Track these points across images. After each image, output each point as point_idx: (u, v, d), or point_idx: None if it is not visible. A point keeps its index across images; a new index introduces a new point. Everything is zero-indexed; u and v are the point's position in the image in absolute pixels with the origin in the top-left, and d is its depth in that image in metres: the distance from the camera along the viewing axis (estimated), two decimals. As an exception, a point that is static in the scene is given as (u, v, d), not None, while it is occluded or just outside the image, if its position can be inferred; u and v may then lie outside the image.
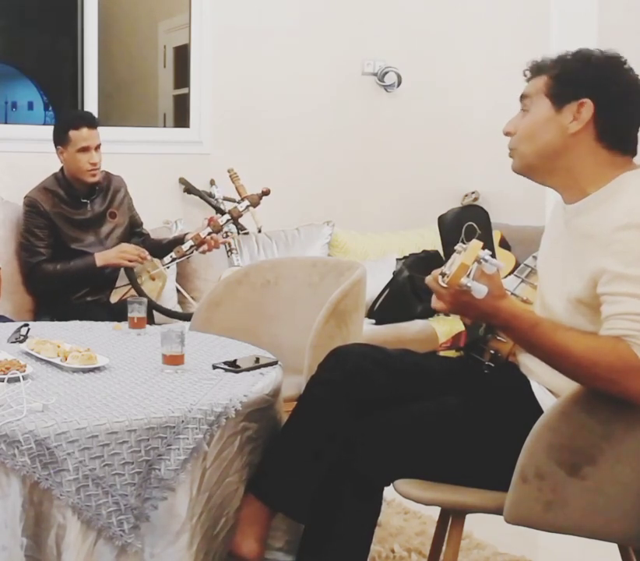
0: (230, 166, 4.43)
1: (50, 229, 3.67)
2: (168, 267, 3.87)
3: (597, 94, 1.84)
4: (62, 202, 3.72)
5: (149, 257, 3.72)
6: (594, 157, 1.87)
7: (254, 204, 4.06)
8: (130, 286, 3.76)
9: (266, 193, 4.06)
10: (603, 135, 1.86)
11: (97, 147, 3.67)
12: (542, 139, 1.89)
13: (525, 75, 1.96)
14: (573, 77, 1.87)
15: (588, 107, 1.84)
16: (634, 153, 1.90)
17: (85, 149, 3.64)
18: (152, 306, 3.60)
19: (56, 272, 3.63)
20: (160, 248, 3.87)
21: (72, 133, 3.64)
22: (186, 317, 3.72)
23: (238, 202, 4.12)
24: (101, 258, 3.65)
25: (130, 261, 3.67)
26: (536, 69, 1.93)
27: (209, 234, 3.76)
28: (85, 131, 3.64)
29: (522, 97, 1.95)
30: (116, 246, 3.72)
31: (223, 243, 3.90)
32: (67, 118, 3.84)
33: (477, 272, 1.69)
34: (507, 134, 1.95)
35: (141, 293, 3.67)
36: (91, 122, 3.68)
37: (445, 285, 1.71)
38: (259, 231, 4.34)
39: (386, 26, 5.05)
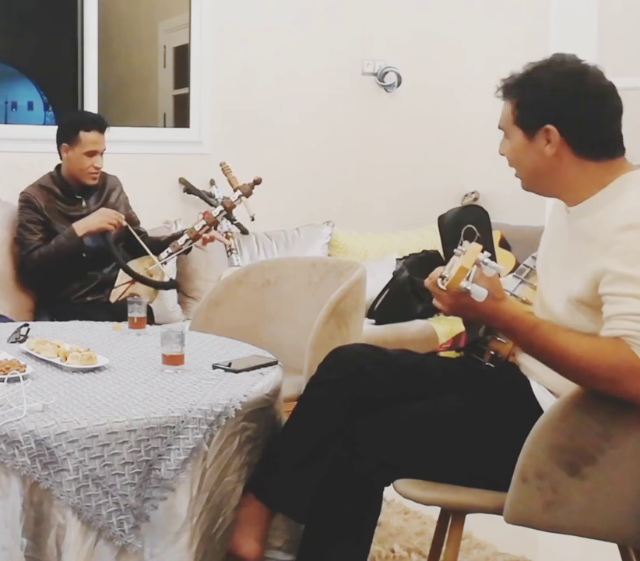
0: (225, 160, 4.42)
1: (44, 224, 3.67)
2: (165, 263, 3.86)
3: (556, 119, 1.86)
4: (57, 199, 3.72)
5: (125, 223, 3.68)
6: (582, 169, 1.88)
7: (247, 194, 4.05)
8: (128, 285, 3.75)
9: (258, 182, 4.06)
10: (580, 150, 1.87)
11: (102, 152, 3.67)
12: (527, 165, 1.93)
13: (498, 97, 1.98)
14: (531, 105, 1.89)
15: (553, 133, 1.86)
16: (623, 152, 1.90)
17: (92, 153, 3.64)
18: (137, 278, 3.56)
19: (42, 255, 3.61)
20: (157, 246, 3.86)
21: (83, 134, 3.63)
22: (171, 285, 3.71)
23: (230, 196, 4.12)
24: (81, 226, 3.61)
25: (111, 225, 3.61)
26: (503, 92, 1.96)
27: (204, 227, 3.77)
28: (95, 135, 3.64)
29: (499, 127, 1.98)
30: (94, 212, 3.70)
31: (218, 238, 3.89)
32: (79, 118, 3.80)
33: (477, 275, 1.69)
34: (502, 155, 1.99)
35: (143, 280, 3.62)
36: (103, 127, 3.67)
37: (445, 288, 1.72)
38: (252, 220, 4.31)
39: (386, 26, 5.05)
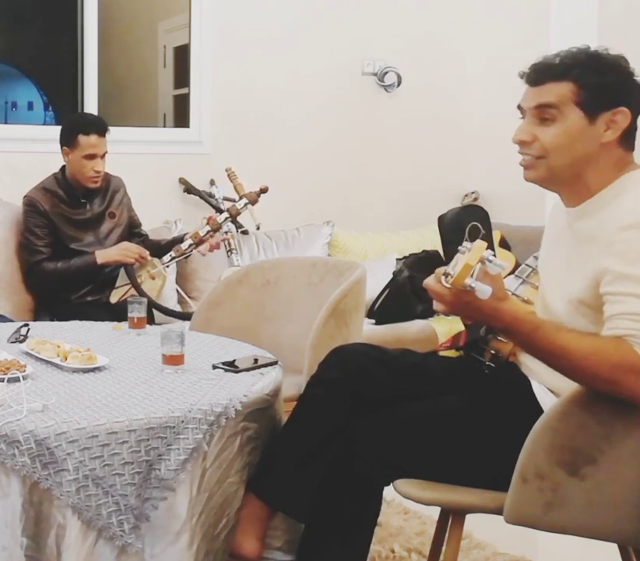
0: (231, 166, 4.43)
1: (50, 228, 3.68)
2: (168, 266, 3.88)
3: (633, 102, 1.83)
4: (62, 202, 3.72)
5: (149, 257, 3.73)
6: (611, 159, 1.85)
7: (253, 202, 4.07)
8: (130, 286, 3.76)
9: (264, 191, 4.07)
10: (627, 138, 1.85)
11: (103, 155, 3.67)
12: (578, 151, 1.84)
13: (527, 77, 1.89)
14: (609, 85, 1.83)
15: (625, 116, 1.82)
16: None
17: (91, 157, 3.63)
18: (152, 305, 3.60)
19: (56, 270, 3.64)
20: (159, 248, 3.87)
21: (82, 138, 3.62)
22: (186, 316, 3.72)
23: (236, 201, 4.13)
24: (102, 255, 3.66)
25: (130, 258, 3.67)
26: (551, 73, 1.85)
27: (208, 232, 3.77)
28: (94, 138, 3.63)
29: (543, 106, 1.85)
30: (117, 244, 3.73)
31: (222, 241, 3.90)
32: (79, 121, 3.79)
33: (481, 272, 1.69)
34: (521, 143, 1.88)
35: (141, 292, 3.67)
36: (102, 130, 3.65)
37: (449, 285, 1.71)
38: (257, 228, 4.34)
39: (386, 26, 5.05)
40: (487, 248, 1.70)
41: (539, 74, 1.88)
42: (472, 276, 1.68)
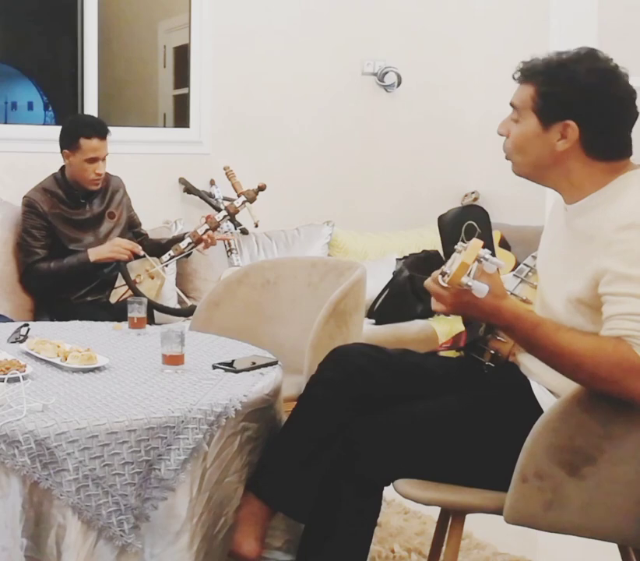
0: (229, 165, 4.43)
1: (48, 230, 3.67)
2: (167, 265, 3.88)
3: (581, 117, 1.82)
4: (61, 203, 3.71)
5: (142, 252, 3.71)
6: (588, 168, 1.86)
7: (251, 200, 4.07)
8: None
9: (262, 188, 4.07)
10: (592, 151, 1.85)
11: (104, 158, 3.66)
12: (532, 153, 1.89)
13: (514, 78, 1.93)
14: (558, 97, 1.84)
15: (573, 129, 1.83)
16: (630, 154, 1.89)
17: (93, 160, 3.63)
18: (152, 306, 3.60)
19: (50, 270, 3.63)
20: (159, 248, 3.87)
21: (83, 142, 3.61)
22: (187, 313, 3.73)
23: (234, 199, 4.13)
24: (94, 253, 3.64)
25: (123, 254, 3.65)
26: (525, 75, 1.90)
27: (206, 231, 3.78)
28: (96, 141, 3.62)
29: (512, 105, 1.93)
30: (109, 241, 3.72)
31: (220, 240, 3.90)
32: (80, 123, 3.75)
33: (478, 271, 1.69)
34: (501, 134, 1.96)
35: (138, 293, 3.66)
36: (103, 133, 3.64)
37: (446, 285, 1.72)
38: (256, 226, 4.34)
39: (386, 26, 5.05)
40: (484, 247, 1.70)
41: (519, 73, 1.92)
42: (469, 274, 1.68)
